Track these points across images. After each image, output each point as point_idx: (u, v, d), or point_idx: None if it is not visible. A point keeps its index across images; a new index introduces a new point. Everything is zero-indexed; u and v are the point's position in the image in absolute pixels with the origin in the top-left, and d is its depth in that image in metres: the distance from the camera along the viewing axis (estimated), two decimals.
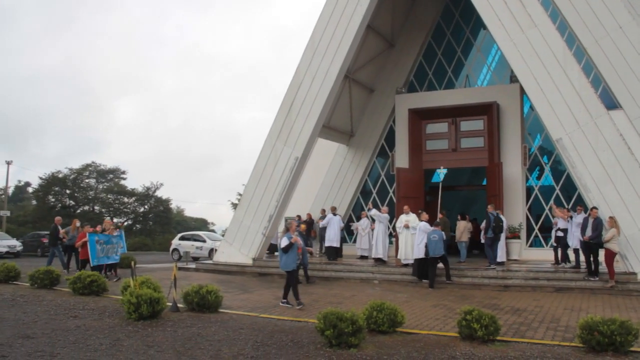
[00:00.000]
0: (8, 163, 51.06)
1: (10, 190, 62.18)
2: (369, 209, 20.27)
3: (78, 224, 19.52)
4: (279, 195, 19.41)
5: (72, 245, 18.82)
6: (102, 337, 8.78)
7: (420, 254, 16.03)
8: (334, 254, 19.98)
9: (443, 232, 16.22)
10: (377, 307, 9.11)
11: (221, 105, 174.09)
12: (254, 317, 10.80)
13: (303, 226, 19.75)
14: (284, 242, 11.82)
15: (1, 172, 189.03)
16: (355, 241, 22.21)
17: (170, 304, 11.21)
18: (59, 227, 19.52)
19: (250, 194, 20.24)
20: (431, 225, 16.09)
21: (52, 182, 57.88)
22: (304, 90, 19.56)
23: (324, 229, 21.13)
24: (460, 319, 8.72)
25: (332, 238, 20.17)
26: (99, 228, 17.19)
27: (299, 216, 24.20)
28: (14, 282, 16.39)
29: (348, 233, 24.17)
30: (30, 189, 73.52)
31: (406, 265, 17.37)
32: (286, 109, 19.80)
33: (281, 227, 23.27)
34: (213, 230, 57.82)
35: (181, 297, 11.50)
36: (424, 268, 16.14)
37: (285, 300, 12.08)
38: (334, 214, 20.83)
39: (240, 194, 61.49)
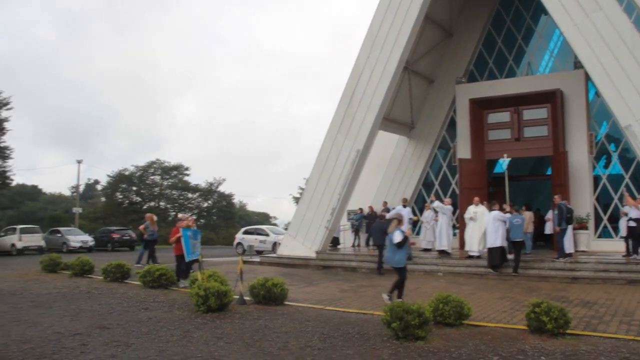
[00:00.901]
0: (79, 162, 53.23)
1: (81, 188, 64.34)
2: (432, 201, 20.10)
3: (155, 218, 19.98)
4: (341, 188, 19.48)
5: (152, 240, 19.39)
6: (172, 328, 9.04)
7: (496, 242, 15.80)
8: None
9: (524, 217, 16.01)
10: (443, 300, 9.06)
11: (281, 100, 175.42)
12: (320, 310, 10.90)
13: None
14: (398, 237, 11.03)
15: (72, 171, 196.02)
16: (419, 233, 22.04)
17: (237, 296, 11.43)
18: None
19: (313, 187, 20.38)
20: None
21: (120, 180, 59.79)
22: (363, 83, 19.54)
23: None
24: (528, 312, 8.56)
25: (402, 229, 19.97)
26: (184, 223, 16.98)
27: (361, 209, 24.26)
28: (89, 276, 17.16)
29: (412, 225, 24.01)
30: (99, 187, 76.13)
31: (471, 257, 17.18)
32: (346, 102, 19.83)
33: (343, 220, 23.47)
34: (275, 224, 58.42)
35: (247, 290, 11.72)
36: (499, 257, 15.96)
37: (389, 295, 11.02)
38: (404, 206, 20.58)
39: (302, 188, 62.00)
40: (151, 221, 19.64)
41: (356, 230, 24.57)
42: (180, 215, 19.18)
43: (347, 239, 25.20)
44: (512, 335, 8.43)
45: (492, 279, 15.47)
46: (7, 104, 39.90)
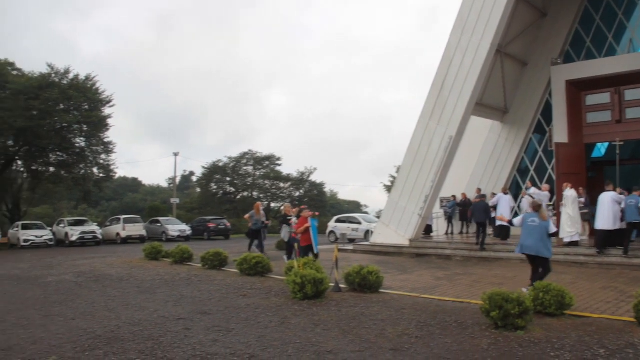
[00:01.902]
0: (175, 155, 55.45)
1: (177, 180, 66.75)
2: (528, 188, 19.56)
3: (262, 208, 20.14)
4: (434, 175, 19.28)
5: (257, 230, 19.46)
6: (270, 315, 9.28)
7: (608, 224, 15.15)
8: (504, 233, 19.43)
9: None
10: (543, 289, 8.82)
11: (369, 88, 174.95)
12: (415, 298, 10.87)
13: None
14: (553, 227, 10.64)
15: (169, 164, 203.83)
16: None
17: (333, 284, 11.57)
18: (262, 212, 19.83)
19: (405, 175, 20.27)
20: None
21: (214, 171, 61.55)
22: (454, 68, 19.21)
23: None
24: (636, 303, 8.14)
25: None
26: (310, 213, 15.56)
27: (454, 196, 23.98)
28: (188, 263, 17.87)
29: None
30: (194, 178, 78.77)
31: (569, 244, 16.60)
32: (438, 88, 19.57)
33: (436, 207, 23.22)
34: (366, 212, 58.56)
35: (343, 277, 11.85)
36: (610, 239, 15.34)
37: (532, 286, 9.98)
38: (505, 193, 20.05)
39: (392, 176, 61.78)
40: (257, 210, 19.69)
41: (449, 218, 24.31)
42: (285, 205, 19.09)
43: (440, 227, 24.97)
44: (619, 328, 8.09)
45: (593, 268, 14.91)
46: (109, 101, 41.96)
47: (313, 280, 10.50)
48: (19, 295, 12.22)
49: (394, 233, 20.14)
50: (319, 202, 63.45)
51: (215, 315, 9.30)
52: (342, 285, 11.72)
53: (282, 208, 19.61)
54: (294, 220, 16.15)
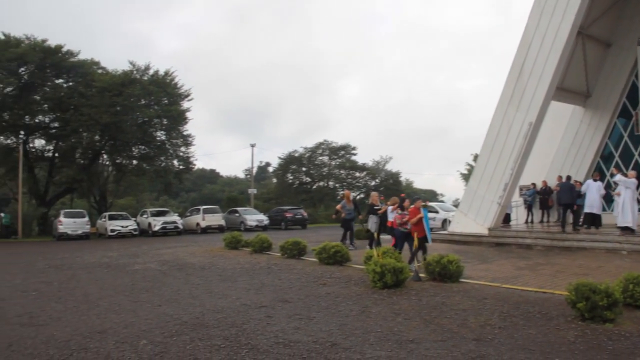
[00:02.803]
0: (252, 146, 56.60)
1: (254, 171, 67.90)
2: (613, 175, 18.83)
3: (352, 196, 19.96)
4: (514, 163, 18.82)
5: (350, 219, 19.01)
6: (351, 303, 9.35)
7: None
8: (592, 221, 18.78)
9: None
10: (633, 280, 8.46)
11: (444, 75, 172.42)
12: (496, 288, 10.70)
13: None
14: None
15: (244, 155, 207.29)
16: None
17: (412, 273, 11.54)
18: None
19: (484, 163, 19.90)
20: None
21: (290, 161, 62.26)
22: (534, 52, 18.62)
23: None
24: None
25: (592, 204, 18.78)
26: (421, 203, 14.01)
27: (533, 184, 23.41)
28: (267, 252, 18.26)
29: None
30: (270, 169, 79.93)
31: None
32: (516, 73, 19.05)
33: (515, 195, 22.70)
34: (442, 201, 57.92)
35: (422, 266, 11.80)
36: None
37: None
38: (595, 180, 19.30)
39: (469, 164, 60.79)
40: (347, 199, 19.46)
41: (529, 206, 23.74)
42: (372, 194, 18.40)
43: (519, 216, 24.42)
44: None
45: None
46: (187, 95, 43.26)
47: (393, 269, 10.49)
48: (109, 282, 12.82)
49: (473, 222, 19.82)
50: (394, 191, 63.19)
51: (296, 303, 9.46)
52: (421, 275, 11.68)
53: (370, 198, 18.58)
54: (389, 210, 15.57)
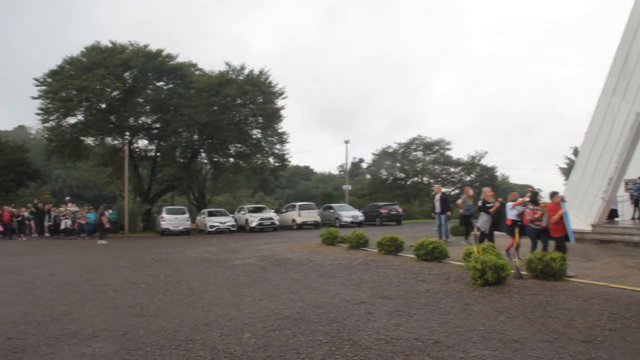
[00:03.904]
0: (346, 142, 56.82)
1: (347, 167, 68.20)
2: None
3: (471, 192, 19.52)
4: (619, 155, 17.96)
5: (469, 215, 19.04)
6: (451, 300, 9.23)
7: None
8: None
9: None
10: None
11: (539, 67, 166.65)
12: (604, 287, 10.25)
13: None
14: None
15: (337, 151, 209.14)
16: None
17: (514, 270, 11.26)
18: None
19: (586, 156, 19.13)
20: None
21: (383, 157, 62.17)
22: None
23: None
24: None
25: None
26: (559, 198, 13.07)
27: None
28: (364, 248, 18.30)
29: None
30: (364, 165, 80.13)
31: None
32: (621, 61, 18.13)
33: (621, 190, 21.67)
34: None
35: (523, 264, 11.50)
36: None
37: None
38: None
39: (568, 158, 58.55)
40: (467, 194, 19.34)
41: (636, 202, 22.58)
42: (484, 190, 16.97)
43: (625, 211, 23.29)
44: None
45: None
46: (282, 93, 44.02)
47: (494, 266, 10.28)
48: (211, 276, 13.24)
49: (574, 218, 18.94)
50: (490, 186, 61.82)
51: (396, 300, 9.43)
52: (523, 272, 11.37)
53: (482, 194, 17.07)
54: (508, 206, 14.28)
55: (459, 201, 18.87)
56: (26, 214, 34.75)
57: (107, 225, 29.02)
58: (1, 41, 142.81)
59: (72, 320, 8.49)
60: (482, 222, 16.04)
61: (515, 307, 8.57)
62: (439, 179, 60.89)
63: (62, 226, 34.36)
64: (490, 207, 15.96)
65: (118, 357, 6.41)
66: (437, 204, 20.04)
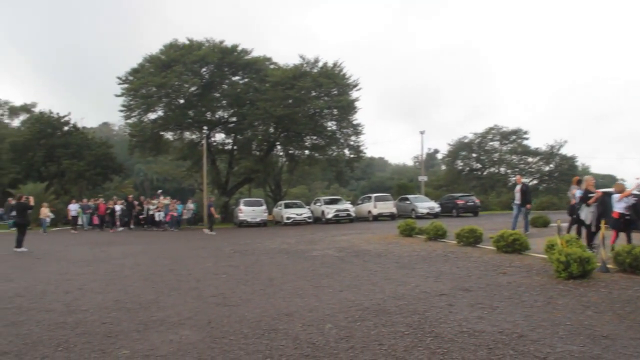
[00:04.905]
0: (421, 133, 56.43)
1: (423, 157, 67.60)
2: None
3: (593, 182, 18.23)
4: None
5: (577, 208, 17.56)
6: (534, 294, 9.00)
7: None
8: None
9: None
10: None
11: (622, 51, 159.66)
12: None
13: None
14: None
15: (412, 142, 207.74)
16: None
17: (600, 264, 10.87)
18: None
19: None
20: None
21: (459, 148, 61.33)
22: None
23: None
24: None
25: None
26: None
27: None
28: (442, 240, 18.14)
29: None
30: (439, 155, 79.20)
31: None
32: None
33: None
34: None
35: (610, 257, 11.08)
36: None
37: None
38: None
39: None
40: (589, 185, 17.49)
41: None
42: (586, 178, 15.05)
43: None
44: None
45: None
46: (356, 85, 44.00)
47: (579, 259, 9.94)
48: (291, 267, 13.43)
49: None
50: (570, 176, 59.97)
51: (477, 292, 9.29)
52: (609, 266, 10.96)
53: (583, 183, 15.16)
54: (614, 198, 13.14)
55: (599, 192, 14.73)
56: (117, 207, 36.21)
57: (216, 215, 29.91)
58: (83, 43, 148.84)
59: (159, 308, 8.81)
60: (585, 213, 14.26)
61: (603, 302, 8.27)
62: (517, 169, 59.43)
63: (157, 218, 35.72)
64: (591, 197, 14.16)
65: (204, 345, 6.60)
66: (517, 195, 19.56)
